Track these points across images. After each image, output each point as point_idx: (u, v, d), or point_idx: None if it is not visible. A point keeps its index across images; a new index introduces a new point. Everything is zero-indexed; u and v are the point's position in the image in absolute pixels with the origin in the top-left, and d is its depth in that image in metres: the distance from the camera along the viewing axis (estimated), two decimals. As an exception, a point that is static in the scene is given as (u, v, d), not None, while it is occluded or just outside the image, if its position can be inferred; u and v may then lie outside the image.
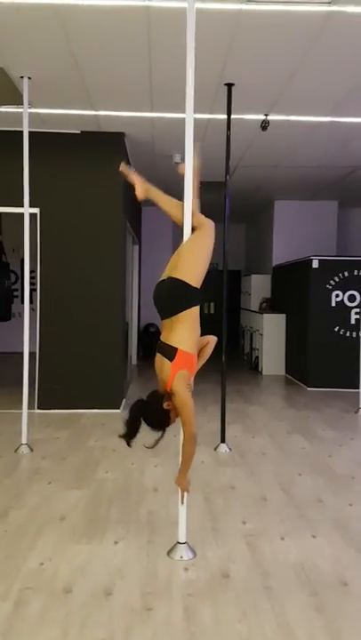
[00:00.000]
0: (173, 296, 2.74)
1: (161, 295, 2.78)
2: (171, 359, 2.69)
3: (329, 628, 2.27)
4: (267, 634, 2.23)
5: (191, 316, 2.72)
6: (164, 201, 3.03)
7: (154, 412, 2.71)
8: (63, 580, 2.61)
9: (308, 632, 2.24)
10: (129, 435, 2.69)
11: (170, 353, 2.70)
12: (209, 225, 2.87)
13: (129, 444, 2.71)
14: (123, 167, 3.10)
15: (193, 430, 2.69)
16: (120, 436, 2.72)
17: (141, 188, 3.05)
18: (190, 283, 2.71)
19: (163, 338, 2.77)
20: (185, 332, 2.71)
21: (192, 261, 2.76)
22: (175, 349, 2.69)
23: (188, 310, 2.71)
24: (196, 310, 2.75)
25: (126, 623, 2.29)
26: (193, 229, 2.86)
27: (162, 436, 2.79)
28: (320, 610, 2.40)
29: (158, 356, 2.77)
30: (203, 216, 2.91)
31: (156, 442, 2.77)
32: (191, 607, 2.41)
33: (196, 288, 2.73)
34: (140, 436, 2.73)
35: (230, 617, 2.34)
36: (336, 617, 2.35)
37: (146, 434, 2.76)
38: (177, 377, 2.66)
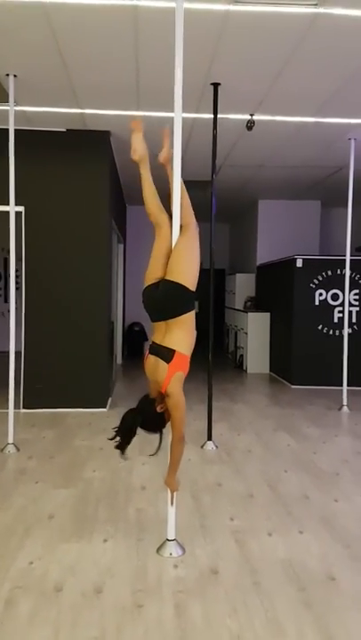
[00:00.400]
0: (173, 299, 2.72)
1: (157, 299, 2.74)
2: (168, 361, 2.69)
3: (317, 622, 2.31)
4: (257, 629, 2.26)
5: (190, 318, 2.74)
6: (147, 184, 2.97)
7: (149, 418, 2.72)
8: (53, 579, 2.61)
9: (298, 627, 2.28)
10: (123, 444, 2.69)
11: (167, 355, 2.69)
12: (194, 227, 2.87)
13: (123, 454, 2.71)
14: (136, 122, 3.00)
15: (182, 432, 2.70)
16: (116, 447, 2.71)
17: (140, 152, 2.96)
18: (190, 287, 2.72)
19: (157, 340, 2.76)
20: (182, 334, 2.71)
21: (186, 265, 2.76)
22: (173, 351, 2.69)
23: (188, 314, 2.73)
24: (193, 314, 2.77)
25: (117, 621, 2.30)
26: (180, 227, 2.82)
27: (161, 438, 2.78)
28: (308, 605, 2.44)
29: (152, 358, 2.76)
30: (191, 214, 2.87)
31: (158, 447, 2.77)
32: (181, 604, 2.43)
33: (192, 291, 2.74)
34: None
35: (220, 613, 2.37)
36: (324, 611, 2.39)
37: (138, 438, 2.77)
38: (174, 378, 2.67)
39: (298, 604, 2.44)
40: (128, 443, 2.70)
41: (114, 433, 2.70)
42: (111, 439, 2.71)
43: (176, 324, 2.71)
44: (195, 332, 2.89)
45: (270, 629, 2.26)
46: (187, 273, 2.73)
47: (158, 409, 2.70)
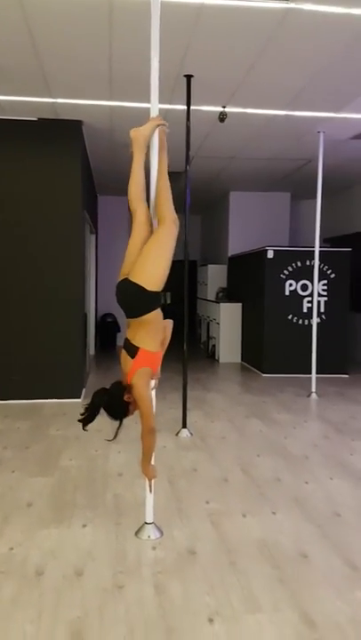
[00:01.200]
0: (131, 300, 2.71)
1: (121, 298, 2.75)
2: (132, 357, 2.75)
3: (291, 597, 2.42)
4: (234, 605, 2.36)
5: (151, 319, 2.71)
6: (137, 168, 2.88)
7: (114, 402, 2.75)
8: (34, 564, 2.66)
9: (273, 602, 2.39)
10: (87, 419, 2.71)
11: (132, 351, 2.76)
12: (170, 221, 2.75)
13: (84, 428, 2.72)
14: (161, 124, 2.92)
15: (151, 423, 2.72)
16: (78, 420, 2.74)
17: (142, 131, 2.85)
18: (146, 287, 2.64)
19: (128, 335, 2.79)
20: (144, 332, 2.73)
21: (150, 263, 2.68)
22: (137, 348, 2.74)
23: (153, 313, 2.71)
24: (156, 314, 2.72)
25: (99, 602, 2.37)
26: (158, 221, 2.81)
27: (120, 426, 2.81)
28: (282, 581, 2.55)
29: (123, 352, 2.81)
30: (170, 209, 2.80)
31: (116, 433, 2.80)
32: (161, 584, 2.51)
33: (152, 292, 2.66)
34: (100, 427, 2.78)
35: (199, 591, 2.46)
36: (298, 587, 2.51)
37: (106, 424, 2.81)
38: (137, 373, 2.72)
39: (272, 581, 2.55)
40: (91, 419, 2.71)
41: (84, 409, 2.75)
42: (81, 415, 2.72)
43: (140, 323, 2.73)
44: (165, 327, 2.90)
45: (247, 605, 2.36)
46: (150, 273, 2.66)
47: (125, 398, 2.74)
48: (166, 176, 2.86)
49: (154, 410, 2.81)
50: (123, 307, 2.78)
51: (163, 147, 2.94)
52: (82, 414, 2.73)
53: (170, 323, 3.01)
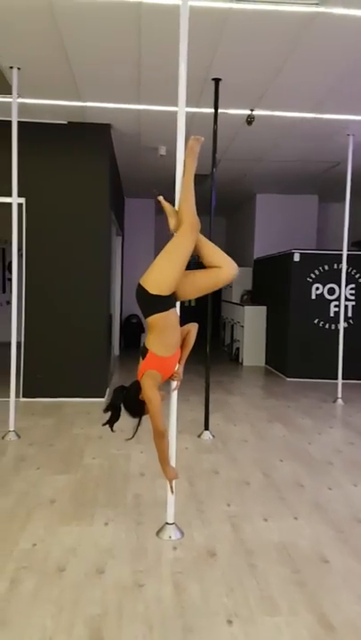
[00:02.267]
0: (138, 302, 2.75)
1: (136, 298, 2.79)
2: (143, 358, 2.79)
3: (310, 600, 2.42)
4: (252, 607, 2.36)
5: (155, 323, 2.70)
6: (192, 177, 2.89)
7: (131, 400, 2.80)
8: (56, 560, 2.70)
9: (291, 604, 2.38)
10: (112, 420, 2.77)
11: (143, 352, 2.80)
12: (187, 225, 2.74)
13: (112, 429, 2.77)
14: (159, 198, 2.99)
15: (159, 426, 2.69)
16: (104, 424, 2.77)
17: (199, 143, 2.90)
18: (151, 290, 2.64)
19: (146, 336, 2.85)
20: (153, 336, 2.75)
21: (157, 267, 2.69)
22: (147, 351, 2.77)
23: (155, 316, 2.69)
24: (163, 317, 2.69)
25: (119, 599, 2.40)
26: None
27: (138, 425, 2.85)
28: (302, 585, 2.54)
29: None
30: (190, 212, 2.78)
31: (134, 432, 2.85)
32: (180, 584, 2.53)
33: (156, 296, 2.65)
34: (122, 427, 2.82)
35: (217, 592, 2.47)
36: (317, 591, 2.49)
37: (128, 424, 2.85)
38: (145, 374, 2.74)
39: (291, 584, 2.54)
40: (116, 419, 2.77)
41: (106, 406, 2.79)
42: (104, 412, 2.77)
43: (149, 326, 2.76)
44: (188, 332, 2.90)
45: (265, 607, 2.36)
46: (154, 277, 2.66)
47: (140, 397, 2.77)
48: (192, 180, 2.87)
49: (161, 412, 2.72)
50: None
51: (194, 154, 2.93)
52: (104, 411, 2.79)
53: (194, 327, 3.00)
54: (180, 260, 2.69)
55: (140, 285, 2.71)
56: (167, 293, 2.67)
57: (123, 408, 2.81)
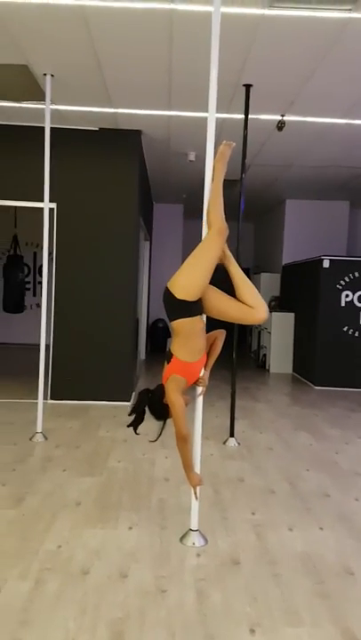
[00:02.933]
0: (165, 305, 2.75)
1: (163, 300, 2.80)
2: (168, 362, 2.81)
3: (334, 613, 2.38)
4: (275, 617, 2.33)
5: (183, 326, 2.70)
6: (221, 184, 2.88)
7: (155, 403, 2.83)
8: (80, 562, 2.72)
9: (314, 616, 2.35)
10: (136, 422, 2.81)
11: (168, 356, 2.82)
12: (215, 230, 2.73)
13: (136, 432, 2.81)
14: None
15: (181, 430, 2.69)
16: (128, 425, 2.81)
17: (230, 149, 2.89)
18: (178, 295, 2.64)
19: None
20: (178, 341, 2.75)
21: (184, 272, 2.69)
22: (172, 355, 2.78)
23: (180, 321, 2.69)
24: (188, 322, 2.68)
25: (141, 604, 2.40)
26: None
27: (162, 427, 2.88)
28: (326, 596, 2.50)
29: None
30: (218, 217, 2.78)
31: (158, 434, 2.88)
32: (203, 591, 2.52)
33: (183, 301, 2.64)
34: (147, 431, 2.83)
35: (241, 601, 2.45)
36: (341, 603, 2.45)
37: (153, 428, 2.87)
38: (169, 379, 2.76)
39: (315, 596, 2.51)
40: (140, 421, 2.81)
41: (131, 409, 2.82)
42: (129, 414, 2.82)
43: (173, 331, 2.77)
44: (215, 338, 2.90)
45: (288, 618, 2.33)
46: (182, 282, 2.66)
47: (164, 400, 2.79)
48: (221, 186, 2.87)
49: (184, 416, 2.72)
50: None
51: (225, 159, 2.91)
52: (129, 414, 2.81)
53: (222, 333, 2.99)
54: (207, 265, 2.69)
55: (167, 289, 2.72)
56: (194, 299, 2.67)
57: (147, 411, 2.84)
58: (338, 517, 3.38)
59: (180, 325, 2.71)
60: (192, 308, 2.69)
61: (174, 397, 2.72)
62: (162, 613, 2.34)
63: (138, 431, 2.81)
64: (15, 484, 3.68)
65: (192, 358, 2.78)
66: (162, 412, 2.83)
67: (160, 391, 2.83)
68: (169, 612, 2.35)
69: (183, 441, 2.73)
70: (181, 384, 2.77)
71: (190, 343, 2.76)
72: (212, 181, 2.87)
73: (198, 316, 2.74)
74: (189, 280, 2.67)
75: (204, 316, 2.83)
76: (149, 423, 2.83)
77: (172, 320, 2.74)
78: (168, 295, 2.70)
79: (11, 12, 3.57)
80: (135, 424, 2.82)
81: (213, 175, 2.87)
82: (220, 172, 2.88)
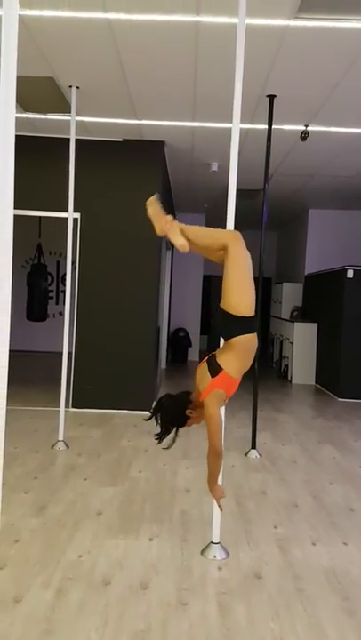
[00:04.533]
0: (221, 324, 2.75)
1: (215, 323, 2.81)
2: (213, 375, 2.70)
3: (360, 630, 2.32)
4: (299, 633, 2.29)
5: (242, 343, 2.67)
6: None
7: (173, 408, 2.74)
8: (101, 573, 2.71)
9: (340, 634, 2.30)
10: (162, 434, 2.71)
11: (214, 369, 2.70)
12: (232, 240, 2.70)
13: (159, 442, 2.71)
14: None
15: (217, 446, 2.67)
16: (156, 438, 2.71)
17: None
18: (232, 312, 2.64)
19: (217, 352, 2.78)
20: (232, 356, 2.69)
21: (229, 292, 2.67)
22: (220, 369, 2.70)
23: (239, 338, 2.66)
24: (245, 339, 2.66)
25: (163, 616, 2.38)
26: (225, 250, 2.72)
27: (175, 436, 2.77)
28: (352, 613, 2.45)
29: (204, 366, 2.76)
30: (222, 233, 2.79)
31: (172, 443, 2.77)
32: (225, 604, 2.48)
33: (239, 317, 2.63)
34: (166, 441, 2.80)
35: (263, 616, 2.41)
36: (368, 622, 2.39)
37: (181, 441, 2.83)
38: (212, 393, 2.67)
39: (341, 612, 2.45)
40: (167, 433, 2.72)
41: (150, 414, 2.75)
42: (145, 420, 2.75)
43: (228, 345, 2.72)
44: (248, 358, 2.77)
45: (312, 635, 2.28)
46: (230, 300, 2.65)
47: (187, 412, 2.72)
48: (198, 230, 2.80)
49: (221, 432, 2.70)
50: (218, 330, 2.81)
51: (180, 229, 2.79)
52: (146, 419, 2.75)
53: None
54: (245, 275, 2.68)
55: (221, 310, 2.69)
56: (251, 314, 2.66)
57: (161, 416, 2.73)
58: (363, 532, 3.32)
59: (240, 342, 2.66)
60: (250, 323, 2.68)
61: (215, 413, 2.66)
62: (184, 626, 2.31)
63: (165, 446, 2.75)
64: (38, 492, 3.69)
65: (239, 375, 2.74)
66: (178, 420, 2.76)
67: (185, 400, 2.77)
68: (191, 625, 2.32)
69: (218, 456, 2.70)
70: (223, 399, 2.72)
71: (244, 360, 2.71)
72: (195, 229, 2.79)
73: (255, 334, 2.71)
74: (242, 294, 2.67)
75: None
76: (163, 440, 2.77)
77: (229, 337, 2.69)
78: (224, 314, 2.68)
79: (38, 25, 3.64)
80: (161, 436, 2.76)
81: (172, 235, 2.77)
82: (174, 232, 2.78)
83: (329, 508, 3.67)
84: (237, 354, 2.69)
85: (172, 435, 2.80)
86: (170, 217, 2.79)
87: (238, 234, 2.75)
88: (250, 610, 2.45)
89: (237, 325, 2.66)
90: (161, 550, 2.97)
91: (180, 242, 2.74)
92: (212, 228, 2.82)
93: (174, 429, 2.79)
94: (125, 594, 2.53)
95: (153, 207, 2.84)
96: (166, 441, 2.76)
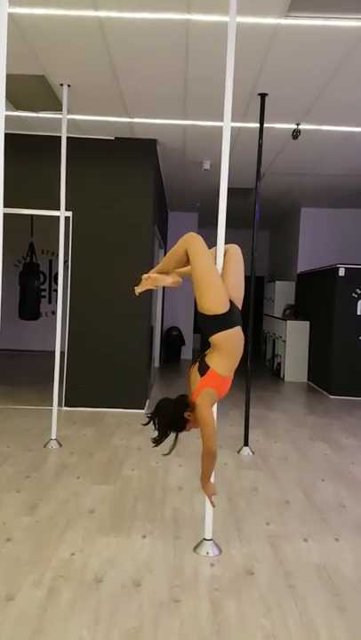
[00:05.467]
0: (201, 327, 2.82)
1: (199, 325, 2.88)
2: (201, 375, 2.73)
3: (351, 627, 2.34)
4: (290, 630, 2.30)
5: (222, 340, 2.68)
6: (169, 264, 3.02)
7: (171, 412, 2.75)
8: (93, 571, 2.71)
9: (331, 630, 2.31)
10: (159, 439, 2.74)
11: (203, 369, 2.73)
12: (188, 242, 2.81)
13: (156, 445, 2.74)
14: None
15: (212, 447, 2.67)
16: (153, 443, 2.75)
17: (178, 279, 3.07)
18: (205, 312, 2.69)
19: (206, 352, 2.80)
20: (217, 355, 2.71)
21: (197, 290, 2.73)
22: (208, 368, 2.71)
23: (218, 335, 2.68)
24: (224, 335, 2.67)
25: (155, 614, 2.38)
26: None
27: (175, 440, 2.81)
28: (342, 610, 2.47)
29: (195, 367, 2.79)
30: (178, 243, 2.89)
31: (172, 448, 2.82)
32: (217, 601, 2.49)
33: (212, 316, 2.66)
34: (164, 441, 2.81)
35: (255, 612, 2.42)
36: (358, 617, 2.41)
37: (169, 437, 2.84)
38: (202, 392, 2.69)
39: (332, 609, 2.47)
40: (164, 437, 2.75)
41: (147, 418, 2.77)
42: (145, 424, 2.77)
43: (213, 345, 2.73)
44: (234, 354, 2.76)
45: (304, 631, 2.30)
46: (200, 301, 2.71)
47: (186, 415, 2.72)
48: (166, 259, 3.04)
49: (216, 433, 2.72)
50: None
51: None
52: (143, 424, 2.79)
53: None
54: (209, 269, 2.72)
55: (198, 312, 2.76)
56: (223, 310, 2.66)
57: (161, 420, 2.76)
58: (354, 528, 3.34)
59: (219, 339, 2.68)
60: (226, 319, 2.67)
61: (207, 414, 2.67)
62: (176, 624, 2.32)
63: (165, 451, 2.78)
64: (30, 491, 3.69)
65: (228, 372, 2.73)
66: (178, 425, 2.77)
67: (182, 403, 2.76)
68: (182, 622, 2.33)
69: (212, 457, 2.71)
70: (215, 399, 2.72)
71: (230, 356, 2.71)
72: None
73: (237, 328, 2.71)
74: (208, 296, 2.69)
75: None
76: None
77: (209, 336, 2.72)
78: (200, 316, 2.74)
79: (29, 23, 3.62)
80: (158, 441, 2.75)
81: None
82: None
83: (320, 505, 3.69)
84: (221, 351, 2.70)
85: (171, 440, 2.81)
86: (144, 276, 3.07)
87: (191, 234, 2.82)
88: (241, 606, 2.46)
89: (213, 324, 2.68)
90: (153, 548, 2.97)
91: (170, 280, 2.98)
92: (174, 247, 2.92)
93: (175, 435, 2.80)
94: (117, 592, 2.54)
95: (141, 288, 3.13)
96: (166, 446, 2.77)
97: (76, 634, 2.22)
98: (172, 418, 2.77)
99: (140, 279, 3.09)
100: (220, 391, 2.75)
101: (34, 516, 3.30)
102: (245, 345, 2.80)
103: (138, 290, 3.09)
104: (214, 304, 2.68)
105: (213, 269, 2.76)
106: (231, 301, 2.73)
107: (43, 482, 3.88)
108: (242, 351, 2.79)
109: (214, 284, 2.70)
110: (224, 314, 2.67)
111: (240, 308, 2.81)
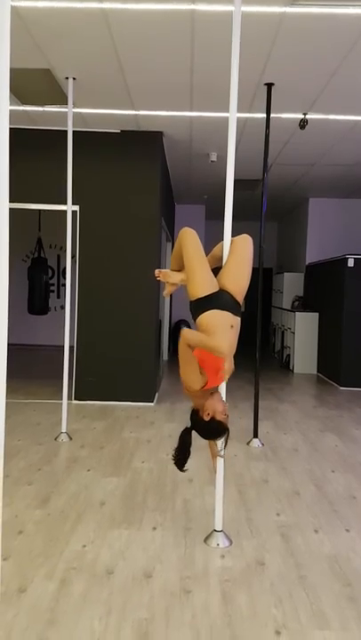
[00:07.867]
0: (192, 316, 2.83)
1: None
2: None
3: (363, 617, 2.34)
4: (302, 620, 2.31)
5: (202, 321, 2.69)
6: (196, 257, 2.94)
7: (202, 429, 2.72)
8: (105, 563, 2.73)
9: (342, 620, 2.31)
10: (181, 462, 2.72)
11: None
12: (180, 236, 2.87)
13: (181, 469, 2.72)
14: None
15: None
16: (174, 463, 2.72)
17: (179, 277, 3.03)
18: (191, 297, 2.75)
19: None
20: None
21: (190, 281, 2.80)
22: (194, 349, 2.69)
23: (199, 318, 2.71)
24: (205, 316, 2.68)
25: (166, 605, 2.40)
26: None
27: (227, 438, 2.74)
28: (354, 600, 2.47)
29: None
30: (176, 243, 2.92)
31: (224, 445, 2.77)
32: (228, 592, 2.50)
33: (195, 300, 2.72)
34: (170, 432, 2.81)
35: (266, 603, 2.43)
36: (370, 608, 2.41)
37: (178, 430, 2.83)
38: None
39: (343, 599, 2.47)
40: (185, 459, 2.72)
41: (173, 454, 2.73)
42: (174, 460, 2.73)
43: (198, 329, 2.74)
44: (221, 334, 2.69)
45: (315, 621, 2.30)
46: (188, 289, 2.78)
47: (205, 416, 2.68)
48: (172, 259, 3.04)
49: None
50: None
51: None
52: (174, 457, 2.74)
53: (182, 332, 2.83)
54: (194, 255, 2.78)
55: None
56: (204, 293, 2.70)
57: (205, 437, 2.75)
58: (365, 520, 3.34)
59: (201, 320, 2.69)
60: (207, 301, 2.68)
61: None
62: (187, 615, 2.33)
63: (184, 469, 2.74)
64: (41, 484, 3.72)
65: (217, 353, 2.65)
66: (213, 429, 2.69)
67: (196, 413, 2.73)
68: (194, 613, 2.34)
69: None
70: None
71: (216, 335, 2.64)
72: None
73: (224, 312, 2.67)
74: (193, 282, 2.76)
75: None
76: (173, 426, 2.81)
77: (194, 320, 2.75)
78: (190, 305, 2.78)
79: (34, 16, 3.61)
80: (181, 464, 2.73)
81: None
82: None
83: (331, 497, 3.69)
84: (207, 332, 2.68)
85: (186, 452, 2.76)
86: (156, 271, 3.07)
87: (183, 230, 2.89)
88: (253, 597, 2.47)
89: (197, 307, 2.74)
90: (164, 539, 2.99)
91: (179, 277, 2.97)
92: (175, 246, 2.99)
93: (225, 435, 2.73)
94: (129, 583, 2.56)
95: (165, 290, 3.11)
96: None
97: (88, 625, 2.24)
98: (204, 430, 2.71)
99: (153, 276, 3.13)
100: (207, 365, 2.66)
101: (45, 509, 3.33)
102: (254, 336, 2.78)
103: (165, 293, 3.13)
104: (196, 287, 2.74)
105: (198, 257, 2.80)
106: (224, 290, 2.73)
107: (54, 475, 3.91)
108: (233, 337, 2.72)
109: (198, 270, 2.77)
110: (206, 296, 2.69)
111: (241, 301, 2.79)
